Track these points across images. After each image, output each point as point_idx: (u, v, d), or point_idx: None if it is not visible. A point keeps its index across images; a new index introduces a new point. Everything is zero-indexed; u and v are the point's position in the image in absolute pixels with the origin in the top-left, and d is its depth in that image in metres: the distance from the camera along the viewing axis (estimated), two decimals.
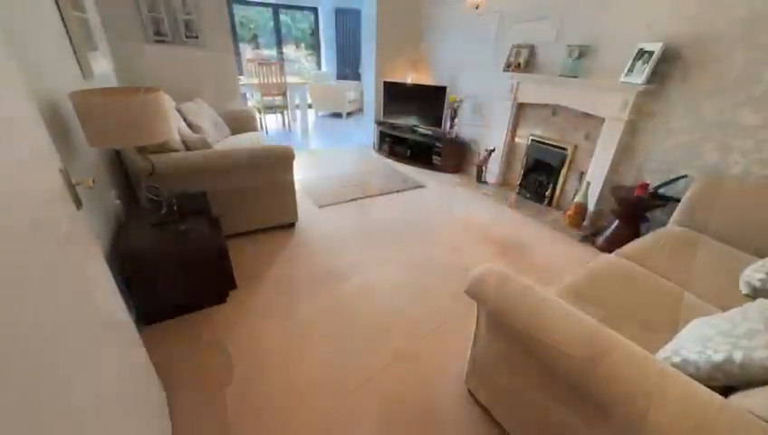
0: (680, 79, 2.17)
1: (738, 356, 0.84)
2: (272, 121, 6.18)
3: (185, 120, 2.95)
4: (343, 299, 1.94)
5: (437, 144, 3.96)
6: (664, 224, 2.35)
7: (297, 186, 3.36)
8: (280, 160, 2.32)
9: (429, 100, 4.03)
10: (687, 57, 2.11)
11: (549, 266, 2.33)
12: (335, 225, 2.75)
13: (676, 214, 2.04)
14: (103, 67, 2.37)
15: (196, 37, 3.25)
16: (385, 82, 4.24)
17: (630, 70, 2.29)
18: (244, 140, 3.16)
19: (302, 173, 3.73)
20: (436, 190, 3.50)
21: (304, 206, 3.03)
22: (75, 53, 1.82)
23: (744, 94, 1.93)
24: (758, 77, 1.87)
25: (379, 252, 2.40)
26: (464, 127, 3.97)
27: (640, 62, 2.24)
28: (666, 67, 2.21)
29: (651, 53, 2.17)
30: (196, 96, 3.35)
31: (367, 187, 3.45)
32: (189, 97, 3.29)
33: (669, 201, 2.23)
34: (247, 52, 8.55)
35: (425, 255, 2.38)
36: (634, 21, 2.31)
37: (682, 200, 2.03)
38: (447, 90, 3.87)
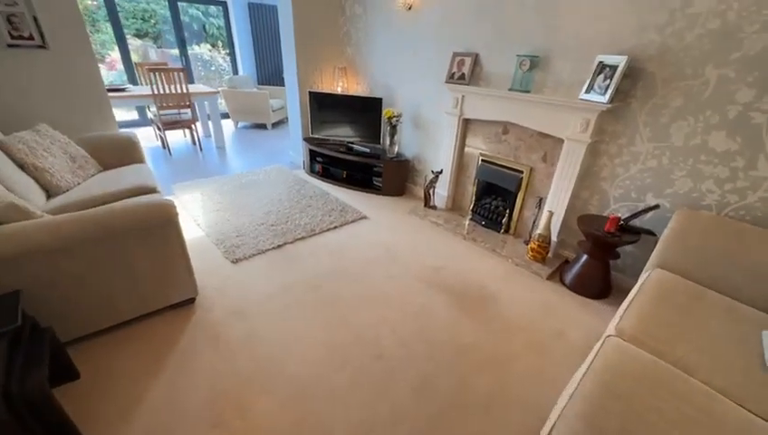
0: (644, 97, 1.91)
1: None
2: (179, 137, 5.14)
3: (14, 159, 2.04)
4: (260, 430, 1.32)
5: (377, 164, 3.44)
6: (635, 257, 2.11)
7: (201, 233, 2.63)
8: (155, 224, 1.59)
9: (364, 113, 3.49)
10: (652, 73, 1.85)
11: (522, 320, 1.94)
12: (254, 290, 2.08)
13: (655, 255, 1.77)
14: None
15: (30, 38, 2.30)
16: (311, 93, 3.59)
17: (591, 86, 1.98)
18: (121, 180, 2.32)
19: (211, 211, 2.95)
20: (380, 222, 2.98)
21: (213, 262, 2.30)
22: None
23: (717, 116, 1.70)
24: (732, 97, 1.65)
25: (314, 330, 1.80)
26: (405, 143, 3.51)
27: (601, 76, 1.94)
28: (628, 83, 1.94)
29: (614, 68, 1.88)
30: (42, 121, 2.41)
31: (297, 224, 2.80)
32: (28, 123, 2.34)
33: (642, 234, 1.98)
34: (151, 52, 7.21)
35: (375, 326, 1.84)
36: (592, 29, 2.00)
37: (661, 239, 1.77)
38: (383, 102, 3.36)
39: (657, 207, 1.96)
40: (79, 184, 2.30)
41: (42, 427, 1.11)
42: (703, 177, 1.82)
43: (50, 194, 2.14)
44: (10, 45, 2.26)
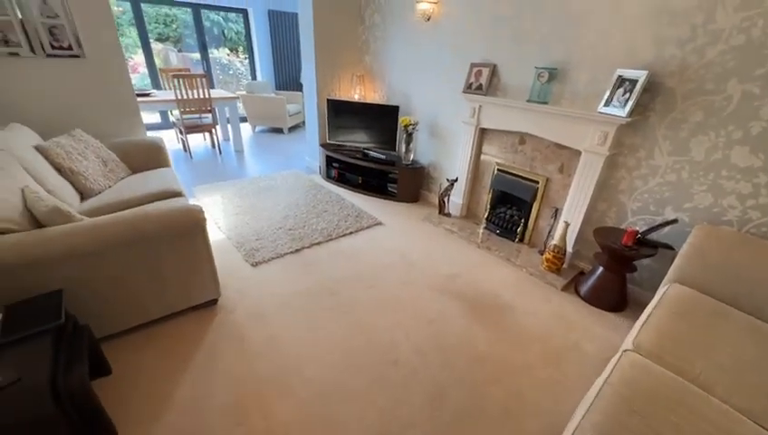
0: (663, 111, 1.91)
1: None
2: (199, 140, 5.30)
3: (53, 164, 2.16)
4: (282, 430, 1.37)
5: (393, 170, 3.49)
6: (652, 271, 2.10)
7: (222, 236, 2.71)
8: (184, 229, 1.67)
9: (381, 120, 3.55)
10: (671, 87, 1.85)
11: (537, 330, 1.95)
12: (273, 292, 2.14)
13: (673, 269, 1.76)
14: None
15: (69, 48, 2.43)
16: (329, 100, 3.67)
17: (610, 99, 1.99)
18: (149, 183, 2.43)
19: (231, 214, 3.05)
20: (395, 228, 3.03)
21: (233, 265, 2.38)
22: None
23: (740, 132, 1.69)
24: (755, 113, 1.64)
25: (331, 335, 1.85)
26: (421, 151, 3.55)
27: (621, 90, 1.95)
28: (647, 97, 1.94)
29: (633, 82, 1.89)
30: (77, 126, 2.53)
31: (314, 229, 2.87)
32: (65, 128, 2.47)
33: (659, 248, 1.97)
34: (172, 56, 7.44)
35: (391, 333, 1.88)
36: (611, 43, 2.02)
37: (679, 254, 1.76)
38: (399, 110, 3.42)
39: (675, 221, 1.95)
40: (110, 187, 2.41)
41: (81, 419, 1.18)
42: (724, 192, 1.80)
43: (83, 196, 2.25)
44: (50, 55, 2.39)
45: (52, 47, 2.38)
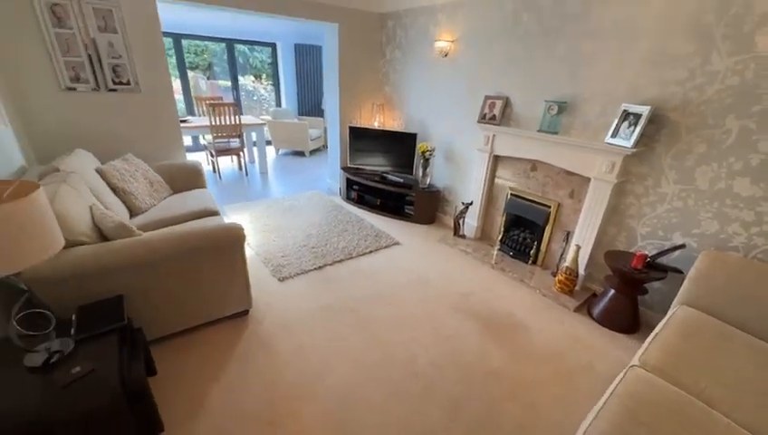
0: (668, 142, 2.04)
1: None
2: (227, 162, 5.65)
3: (109, 184, 2.42)
4: (311, 430, 1.49)
5: (410, 193, 3.67)
6: (663, 294, 2.17)
7: (252, 252, 2.91)
8: (227, 245, 1.87)
9: (399, 146, 3.78)
10: (675, 121, 1.99)
11: (550, 349, 2.03)
12: (298, 306, 2.30)
13: (682, 293, 1.84)
14: None
15: (128, 83, 2.76)
16: (350, 127, 3.94)
17: (616, 131, 2.14)
18: (188, 203, 2.67)
19: (258, 232, 3.26)
20: (412, 248, 3.17)
21: (262, 279, 2.56)
22: None
23: (740, 163, 1.81)
24: (754, 147, 1.76)
25: (353, 348, 1.97)
26: (437, 175, 3.73)
27: (626, 123, 2.10)
28: (652, 129, 2.08)
29: (638, 116, 2.04)
30: (128, 151, 2.84)
31: (335, 248, 3.04)
32: (119, 153, 2.77)
33: (669, 272, 2.05)
34: (201, 83, 8.01)
35: (409, 347, 1.99)
36: (617, 82, 2.19)
37: (687, 277, 1.84)
38: (417, 137, 3.64)
39: (683, 246, 2.03)
40: (155, 205, 2.66)
41: (137, 411, 1.34)
42: (729, 219, 1.90)
43: (132, 213, 2.50)
44: (111, 89, 2.72)
45: (114, 82, 2.71)
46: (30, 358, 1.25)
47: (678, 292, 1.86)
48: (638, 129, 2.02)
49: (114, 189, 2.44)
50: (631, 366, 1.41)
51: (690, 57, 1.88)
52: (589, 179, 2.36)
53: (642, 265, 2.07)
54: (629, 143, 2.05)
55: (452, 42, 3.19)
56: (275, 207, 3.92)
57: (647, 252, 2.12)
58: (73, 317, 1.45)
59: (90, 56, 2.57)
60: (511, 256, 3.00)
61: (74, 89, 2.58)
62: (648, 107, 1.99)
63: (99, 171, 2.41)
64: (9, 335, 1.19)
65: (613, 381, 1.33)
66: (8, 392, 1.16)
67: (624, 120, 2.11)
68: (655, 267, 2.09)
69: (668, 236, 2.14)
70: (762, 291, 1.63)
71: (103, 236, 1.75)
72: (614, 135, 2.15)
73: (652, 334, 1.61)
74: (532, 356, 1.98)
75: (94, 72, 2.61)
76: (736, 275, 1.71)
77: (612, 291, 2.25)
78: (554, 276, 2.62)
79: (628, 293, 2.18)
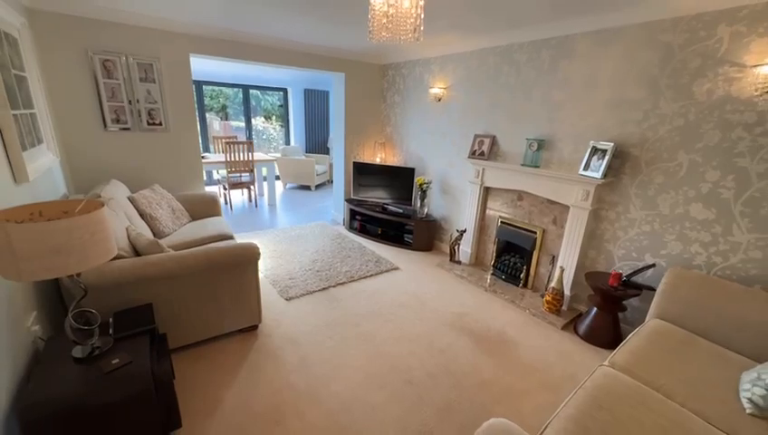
0: (632, 174, 2.33)
1: None
2: (237, 195, 6.01)
3: (138, 210, 2.71)
4: (314, 430, 1.63)
5: (409, 223, 3.94)
6: (640, 310, 2.34)
7: (262, 274, 3.13)
8: (243, 262, 2.11)
9: (399, 179, 4.10)
10: (636, 156, 2.29)
11: (537, 363, 2.17)
12: (304, 323, 2.48)
13: (653, 307, 2.03)
14: (46, 162, 2.15)
15: (160, 124, 3.15)
16: (355, 162, 4.30)
17: (587, 164, 2.44)
18: (206, 229, 2.94)
19: (267, 257, 3.50)
20: (410, 273, 3.38)
21: (270, 299, 2.76)
22: (7, 156, 1.62)
23: (693, 191, 2.08)
24: (702, 177, 2.03)
25: (354, 359, 2.14)
26: (434, 206, 4.02)
27: (595, 157, 2.41)
28: (618, 162, 2.38)
29: (604, 151, 2.35)
30: (155, 182, 3.17)
31: (338, 272, 3.26)
32: (147, 183, 3.10)
33: (642, 289, 2.25)
34: (215, 123, 8.63)
35: (406, 359, 2.16)
36: (586, 122, 2.53)
37: (656, 293, 2.04)
38: (415, 171, 3.97)
39: (653, 265, 2.25)
40: (176, 230, 2.94)
41: (162, 401, 1.51)
42: (690, 240, 2.13)
43: (156, 236, 2.77)
44: (144, 130, 3.10)
45: (147, 124, 3.10)
46: (77, 350, 1.45)
47: (650, 307, 2.05)
48: (605, 162, 2.32)
49: (142, 215, 2.72)
50: (600, 365, 1.58)
51: (643, 102, 2.22)
52: (568, 207, 2.63)
53: (618, 283, 2.27)
54: (599, 174, 2.34)
55: (444, 88, 3.62)
56: (283, 235, 4.18)
57: (621, 271, 2.32)
58: (111, 320, 1.66)
59: (130, 102, 2.98)
60: (503, 279, 3.20)
61: (115, 129, 2.96)
62: (612, 144, 2.30)
63: (130, 199, 2.71)
64: (64, 327, 1.40)
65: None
66: (60, 379, 1.35)
67: (593, 154, 2.42)
68: (630, 285, 2.29)
69: (641, 257, 2.36)
70: (719, 304, 1.82)
71: (137, 253, 2.01)
72: (586, 168, 2.45)
73: (624, 341, 1.79)
74: (519, 368, 2.13)
75: (132, 115, 3.01)
76: (697, 290, 1.91)
77: (595, 309, 2.43)
78: (543, 298, 2.80)
79: (608, 310, 2.36)
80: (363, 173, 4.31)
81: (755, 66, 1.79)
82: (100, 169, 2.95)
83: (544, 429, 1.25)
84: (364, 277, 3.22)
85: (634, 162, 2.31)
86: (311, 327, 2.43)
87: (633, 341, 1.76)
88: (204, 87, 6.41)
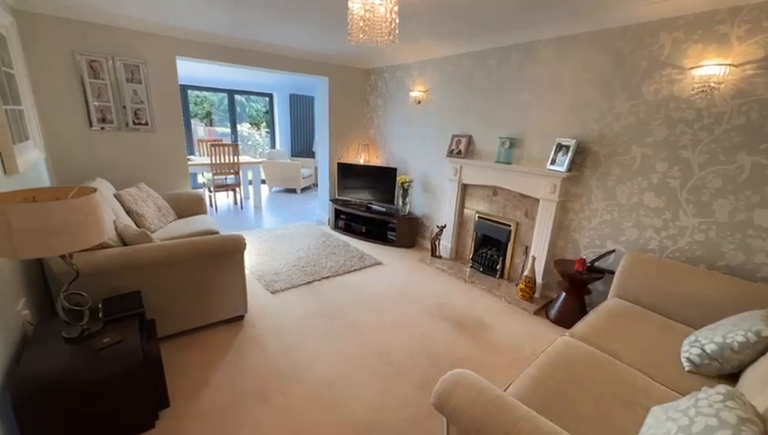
0: (593, 167, 2.54)
1: None
2: (223, 198, 6.03)
3: (124, 207, 2.76)
4: (299, 407, 1.72)
5: (392, 220, 4.08)
6: (605, 294, 2.53)
7: (247, 270, 3.20)
8: (230, 251, 2.19)
9: (381, 179, 4.24)
10: (596, 151, 2.50)
11: (509, 343, 2.32)
12: (289, 314, 2.56)
13: (612, 288, 2.21)
14: (33, 158, 2.20)
15: (146, 124, 3.21)
16: (339, 163, 4.43)
17: (554, 160, 2.64)
18: (192, 225, 3.00)
19: (253, 255, 3.56)
20: (393, 267, 3.50)
21: (255, 292, 2.83)
22: None
23: (646, 182, 2.29)
24: (653, 168, 2.25)
25: (337, 343, 2.24)
26: (416, 204, 4.18)
27: (561, 153, 2.61)
28: (581, 158, 2.58)
29: (568, 147, 2.55)
30: (141, 181, 3.21)
31: (323, 267, 3.36)
32: (133, 182, 3.14)
33: (605, 273, 2.43)
34: (199, 129, 8.63)
35: (387, 342, 2.27)
36: (550, 122, 2.73)
37: (615, 275, 2.22)
38: (397, 171, 4.13)
39: (613, 251, 2.44)
40: (162, 227, 2.98)
41: (154, 384, 1.58)
42: (644, 227, 2.33)
43: None
44: (130, 129, 3.16)
45: (133, 123, 3.16)
46: (68, 331, 1.51)
47: (611, 288, 2.23)
48: (569, 157, 2.52)
49: (128, 211, 2.77)
50: (561, 336, 1.73)
51: (600, 102, 2.44)
52: (538, 200, 2.82)
53: (583, 268, 2.45)
54: (564, 168, 2.54)
55: (424, 92, 3.80)
56: (268, 235, 4.25)
57: (586, 258, 2.51)
58: (100, 305, 1.72)
59: (116, 101, 3.03)
60: (481, 271, 3.36)
61: (100, 128, 3.01)
62: (574, 140, 2.50)
63: (116, 196, 2.76)
64: (56, 308, 1.47)
65: None
66: (52, 357, 1.41)
67: (558, 150, 2.62)
68: (594, 270, 2.47)
69: (603, 244, 2.56)
70: (669, 282, 2.00)
71: (124, 245, 2.07)
72: (552, 163, 2.65)
73: (585, 317, 1.95)
74: (493, 349, 2.28)
75: (118, 115, 3.06)
76: (651, 272, 2.10)
77: (564, 294, 2.61)
78: (517, 286, 2.97)
79: (575, 294, 2.54)
80: (347, 174, 4.44)
81: (692, 68, 2.02)
82: (86, 167, 2.99)
83: (508, 386, 1.39)
84: (348, 272, 3.33)
85: (594, 157, 2.52)
86: (295, 318, 2.52)
87: (592, 316, 1.92)
88: (189, 93, 6.44)
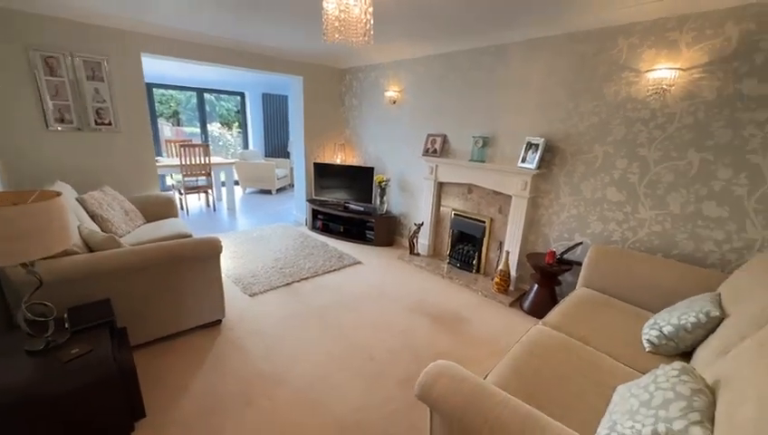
0: (560, 165, 2.67)
1: (662, 429, 0.93)
2: (194, 201, 5.83)
3: (88, 211, 2.62)
4: (283, 409, 1.71)
5: (370, 220, 4.10)
6: (573, 284, 2.67)
7: (223, 274, 3.11)
8: (205, 254, 2.14)
9: (359, 178, 4.25)
10: (563, 149, 2.64)
11: (486, 335, 2.41)
12: (268, 316, 2.53)
13: (580, 278, 2.34)
14: None
15: (110, 124, 3.06)
16: (315, 163, 4.40)
17: (524, 158, 2.75)
18: (162, 229, 2.89)
19: (228, 258, 3.48)
20: (372, 266, 3.53)
21: (233, 296, 2.77)
22: None
23: (608, 177, 2.44)
24: (614, 165, 2.40)
25: (319, 344, 2.24)
26: (393, 202, 4.22)
27: (531, 151, 2.72)
28: (549, 156, 2.71)
29: (537, 145, 2.67)
30: (106, 184, 3.06)
31: (301, 268, 3.33)
32: (96, 185, 2.99)
33: (573, 265, 2.57)
34: (166, 129, 8.27)
35: (368, 340, 2.29)
36: (521, 121, 2.85)
37: (582, 266, 2.36)
38: (374, 170, 4.15)
39: (580, 243, 2.59)
40: (130, 232, 2.85)
41: (128, 394, 1.52)
42: (608, 220, 2.49)
43: None
44: (93, 129, 2.99)
45: (96, 123, 3.00)
46: (31, 343, 1.43)
47: (579, 278, 2.36)
48: (538, 154, 2.64)
49: (93, 216, 2.63)
50: (534, 325, 1.82)
51: (565, 103, 2.57)
52: (510, 197, 2.93)
53: (553, 260, 2.58)
54: (533, 166, 2.66)
55: (399, 92, 3.85)
56: (244, 237, 4.16)
57: (556, 250, 2.64)
58: (65, 315, 1.64)
59: (76, 100, 2.87)
60: (458, 267, 3.45)
61: (59, 128, 2.83)
62: (543, 139, 2.63)
63: (79, 200, 2.61)
64: (17, 320, 1.38)
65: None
66: (13, 371, 1.33)
67: (528, 149, 2.74)
68: (563, 262, 2.61)
69: (571, 236, 2.70)
70: (630, 271, 2.14)
71: (90, 251, 1.97)
72: (523, 161, 2.76)
73: (556, 307, 2.06)
74: (472, 341, 2.35)
75: (79, 114, 2.90)
76: (614, 262, 2.24)
77: (536, 286, 2.73)
78: (493, 280, 3.07)
79: (547, 285, 2.66)
80: (324, 174, 4.42)
81: (647, 71, 2.17)
82: (43, 170, 2.80)
83: (487, 375, 1.45)
84: (327, 272, 3.32)
85: (562, 155, 2.65)
86: (275, 320, 2.49)
87: (563, 305, 2.03)
88: (154, 90, 6.16)
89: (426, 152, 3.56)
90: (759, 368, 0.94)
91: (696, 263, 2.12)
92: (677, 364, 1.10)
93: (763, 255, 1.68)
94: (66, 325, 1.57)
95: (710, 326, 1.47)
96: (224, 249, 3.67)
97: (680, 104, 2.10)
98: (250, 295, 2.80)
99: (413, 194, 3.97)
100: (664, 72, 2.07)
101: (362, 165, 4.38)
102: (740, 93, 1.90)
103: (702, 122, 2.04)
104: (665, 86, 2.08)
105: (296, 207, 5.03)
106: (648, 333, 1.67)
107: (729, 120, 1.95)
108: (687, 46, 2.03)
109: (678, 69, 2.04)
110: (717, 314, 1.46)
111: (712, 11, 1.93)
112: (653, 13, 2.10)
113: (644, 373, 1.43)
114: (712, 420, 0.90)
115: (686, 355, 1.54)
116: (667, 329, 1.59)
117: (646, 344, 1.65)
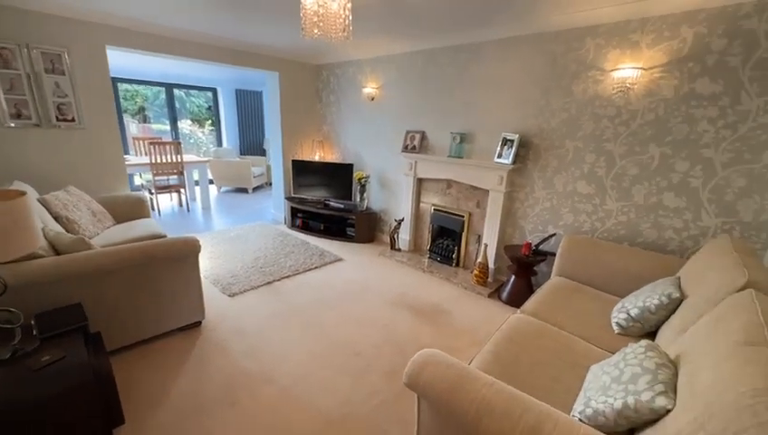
0: (534, 160, 2.78)
1: (631, 401, 1.01)
2: (166, 200, 5.60)
3: (51, 212, 2.48)
4: (269, 408, 1.70)
5: (350, 217, 4.10)
6: (548, 274, 2.79)
7: (202, 275, 3.03)
8: (182, 254, 2.08)
9: (338, 175, 4.24)
10: (537, 144, 2.75)
11: (467, 326, 2.48)
12: (250, 315, 2.49)
13: (554, 268, 2.45)
14: None
15: (72, 120, 2.89)
16: (293, 161, 4.34)
17: (500, 153, 2.85)
18: (134, 230, 2.77)
19: (206, 258, 3.38)
20: (354, 263, 3.54)
21: (212, 296, 2.71)
22: None
23: (578, 171, 2.56)
24: (583, 159, 2.53)
25: (302, 342, 2.23)
26: (373, 199, 4.24)
27: (506, 147, 2.82)
28: (524, 151, 2.82)
29: (512, 141, 2.76)
30: (70, 183, 2.89)
31: (282, 266, 3.29)
32: (60, 185, 2.82)
33: (548, 255, 2.69)
34: (132, 127, 7.87)
35: (352, 335, 2.31)
36: (495, 118, 2.94)
37: (556, 256, 2.47)
38: (354, 167, 4.15)
39: (554, 235, 2.71)
40: (98, 234, 2.72)
41: (105, 400, 1.46)
42: (578, 211, 2.62)
43: None
44: (54, 126, 2.82)
45: (57, 119, 2.82)
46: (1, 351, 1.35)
47: (553, 267, 2.48)
48: (513, 150, 2.73)
49: (57, 218, 2.48)
50: (513, 314, 1.90)
51: (538, 100, 2.68)
52: (487, 191, 3.02)
53: (529, 252, 2.69)
54: (509, 161, 2.75)
55: (377, 88, 3.86)
56: (221, 237, 4.05)
57: (531, 242, 2.75)
58: (33, 322, 1.55)
59: (34, 95, 2.69)
60: (439, 261, 3.52)
61: (16, 125, 2.65)
62: (517, 135, 2.72)
63: (41, 201, 2.46)
64: None
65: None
66: None
67: (504, 144, 2.83)
68: (538, 253, 2.72)
69: (546, 228, 2.82)
70: (599, 259, 2.27)
71: (57, 254, 1.87)
72: (499, 156, 2.85)
73: (532, 295, 2.16)
74: (453, 332, 2.42)
75: (38, 110, 2.72)
76: (585, 251, 2.37)
77: (513, 277, 2.84)
78: (472, 273, 3.16)
79: (523, 275, 2.77)
80: (302, 171, 4.37)
81: (612, 70, 2.30)
82: (1, 170, 2.62)
83: (470, 362, 1.50)
84: (309, 270, 3.30)
85: (535, 150, 2.76)
86: (257, 319, 2.46)
87: (539, 294, 2.13)
88: (119, 85, 5.85)
89: (405, 149, 3.59)
90: (714, 341, 1.03)
91: (659, 250, 2.28)
92: (644, 342, 1.19)
93: (716, 240, 1.83)
94: (35, 332, 1.49)
95: (671, 307, 1.59)
96: (201, 250, 3.59)
97: (642, 101, 2.24)
98: (230, 296, 2.74)
99: (393, 190, 4.01)
100: (628, 71, 2.20)
101: (341, 162, 4.37)
102: (694, 92, 2.05)
103: (662, 119, 2.18)
104: (628, 84, 2.21)
105: (274, 205, 4.95)
106: (617, 316, 1.78)
107: (685, 117, 2.10)
108: (648, 47, 2.17)
109: (641, 68, 2.18)
110: (678, 295, 1.58)
111: (668, 14, 2.07)
112: (617, 15, 2.23)
113: (614, 353, 1.53)
114: (675, 390, 0.99)
115: (652, 335, 1.66)
116: (633, 312, 1.70)
117: (615, 327, 1.76)
